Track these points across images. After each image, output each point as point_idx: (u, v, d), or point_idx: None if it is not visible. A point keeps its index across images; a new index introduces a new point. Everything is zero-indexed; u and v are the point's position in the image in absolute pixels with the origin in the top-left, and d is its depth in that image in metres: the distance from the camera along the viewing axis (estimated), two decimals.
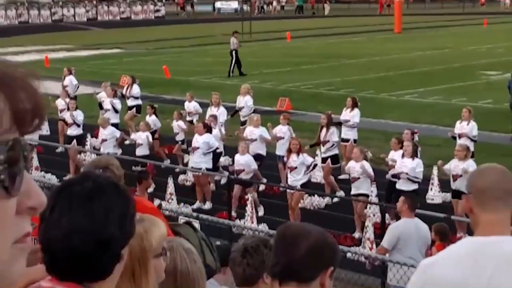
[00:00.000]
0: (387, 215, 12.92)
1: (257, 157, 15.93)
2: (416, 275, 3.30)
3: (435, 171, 15.42)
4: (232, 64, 33.19)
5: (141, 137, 17.01)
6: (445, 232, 10.27)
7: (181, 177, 17.02)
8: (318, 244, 2.66)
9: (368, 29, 54.51)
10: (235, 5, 75.03)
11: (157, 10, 71.60)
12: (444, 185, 15.61)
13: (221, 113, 18.41)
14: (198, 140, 15.73)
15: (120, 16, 69.45)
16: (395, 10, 55.03)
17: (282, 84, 30.36)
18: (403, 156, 13.41)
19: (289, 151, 14.55)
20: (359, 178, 13.58)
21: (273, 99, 25.43)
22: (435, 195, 15.41)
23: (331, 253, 2.69)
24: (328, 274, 2.65)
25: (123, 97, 21.36)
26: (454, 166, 13.38)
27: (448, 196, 15.39)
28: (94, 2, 70.07)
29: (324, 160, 16.09)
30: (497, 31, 51.87)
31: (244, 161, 14.90)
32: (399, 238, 10.00)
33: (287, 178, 14.91)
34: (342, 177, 16.57)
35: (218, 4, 78.20)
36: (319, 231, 2.74)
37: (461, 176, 13.15)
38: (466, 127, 16.05)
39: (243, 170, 14.90)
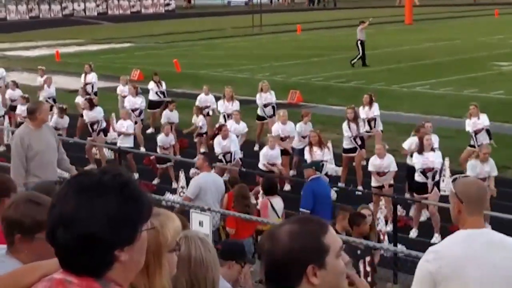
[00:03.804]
0: (398, 207, 12.92)
1: (285, 150, 16.07)
2: (430, 256, 4.49)
3: (447, 162, 15.38)
4: (359, 54, 32.74)
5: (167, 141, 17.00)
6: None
7: (192, 170, 17.03)
8: (285, 254, 2.52)
9: (379, 21, 54.30)
10: None
11: (167, 4, 71.62)
12: None
13: (236, 107, 18.39)
14: (227, 145, 15.62)
15: (131, 10, 69.52)
16: (406, 1, 54.82)
17: (293, 76, 30.32)
18: (421, 151, 13.33)
19: (310, 144, 14.60)
20: (387, 172, 13.63)
21: (284, 91, 25.41)
22: (447, 186, 15.36)
23: (303, 255, 2.52)
24: (310, 274, 2.52)
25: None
26: (480, 170, 13.21)
27: None
28: None
29: (353, 150, 16.07)
30: (508, 21, 51.58)
31: (276, 155, 14.95)
32: (200, 188, 11.31)
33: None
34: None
35: None
36: (287, 236, 2.54)
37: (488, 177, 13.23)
38: (479, 122, 15.99)
39: (274, 164, 14.99)
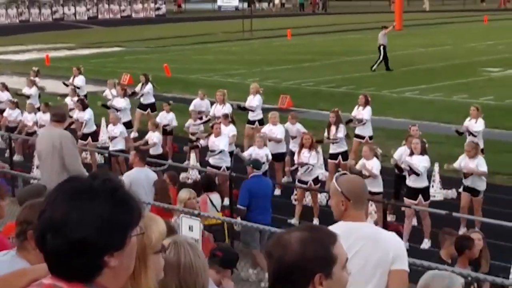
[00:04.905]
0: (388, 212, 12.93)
1: (278, 155, 16.04)
2: None
3: (436, 168, 15.40)
4: (380, 59, 32.77)
5: (152, 138, 17.01)
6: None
7: (183, 174, 17.03)
8: (295, 262, 2.54)
9: (369, 26, 54.44)
10: (235, 2, 75.02)
11: (158, 8, 71.58)
12: (445, 182, 15.61)
13: (227, 110, 18.42)
14: (216, 143, 15.67)
15: (121, 14, 69.43)
16: (396, 7, 54.97)
17: (283, 81, 30.35)
18: (411, 154, 13.34)
19: (301, 146, 14.63)
20: (369, 176, 13.54)
21: (275, 96, 25.44)
22: (436, 192, 15.41)
23: (313, 263, 2.55)
24: (317, 283, 2.55)
25: (132, 95, 21.30)
26: (465, 164, 13.34)
27: (449, 193, 15.39)
28: (95, 0, 70.06)
29: (334, 156, 16.06)
30: (497, 27, 51.83)
31: (264, 154, 14.94)
32: (131, 184, 11.17)
33: (291, 173, 15.05)
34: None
35: (219, 2, 78.20)
36: (298, 243, 2.57)
37: (471, 174, 13.21)
38: (474, 125, 16.01)
39: (263, 163, 14.96)
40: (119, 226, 2.20)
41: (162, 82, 29.55)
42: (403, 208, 13.50)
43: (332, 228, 4.59)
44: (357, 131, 17.39)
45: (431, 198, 14.98)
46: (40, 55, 40.34)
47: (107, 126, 18.81)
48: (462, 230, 13.15)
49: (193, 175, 16.99)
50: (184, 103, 22.28)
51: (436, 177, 15.48)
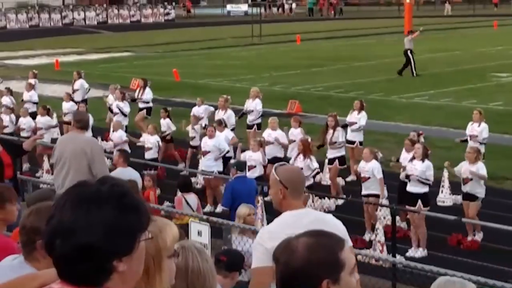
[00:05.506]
0: (397, 217, 12.89)
1: (274, 160, 16.07)
2: (265, 236, 4.88)
3: (445, 173, 15.34)
4: (412, 64, 32.60)
5: (150, 140, 17.00)
6: None
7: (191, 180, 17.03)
8: (302, 267, 2.55)
9: (378, 31, 54.44)
10: (245, 7, 75.12)
11: (167, 13, 71.69)
12: (455, 188, 15.56)
13: (229, 116, 18.43)
14: (208, 143, 15.73)
15: (130, 19, 69.57)
16: (405, 12, 54.89)
17: (292, 86, 30.35)
18: (413, 158, 13.31)
19: (298, 152, 14.71)
20: (369, 178, 13.54)
21: (283, 101, 25.45)
22: (445, 197, 15.36)
23: (319, 269, 2.55)
24: None
25: (133, 101, 21.38)
26: (464, 169, 13.25)
27: (459, 198, 15.34)
28: (104, 5, 70.25)
29: (331, 161, 16.08)
30: (507, 33, 51.70)
31: (256, 158, 14.93)
32: None
33: None
34: (349, 179, 16.68)
35: (228, 7, 78.37)
36: (305, 248, 2.58)
37: (471, 179, 13.10)
38: (477, 129, 16.02)
39: (255, 166, 14.96)
40: (127, 231, 2.21)
41: (171, 87, 29.62)
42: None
43: (281, 218, 4.98)
44: (348, 137, 17.33)
45: (441, 204, 14.96)
46: (50, 60, 40.47)
47: (113, 131, 18.88)
48: (471, 237, 13.11)
49: (201, 180, 17.00)
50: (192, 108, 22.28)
51: (446, 182, 15.43)
